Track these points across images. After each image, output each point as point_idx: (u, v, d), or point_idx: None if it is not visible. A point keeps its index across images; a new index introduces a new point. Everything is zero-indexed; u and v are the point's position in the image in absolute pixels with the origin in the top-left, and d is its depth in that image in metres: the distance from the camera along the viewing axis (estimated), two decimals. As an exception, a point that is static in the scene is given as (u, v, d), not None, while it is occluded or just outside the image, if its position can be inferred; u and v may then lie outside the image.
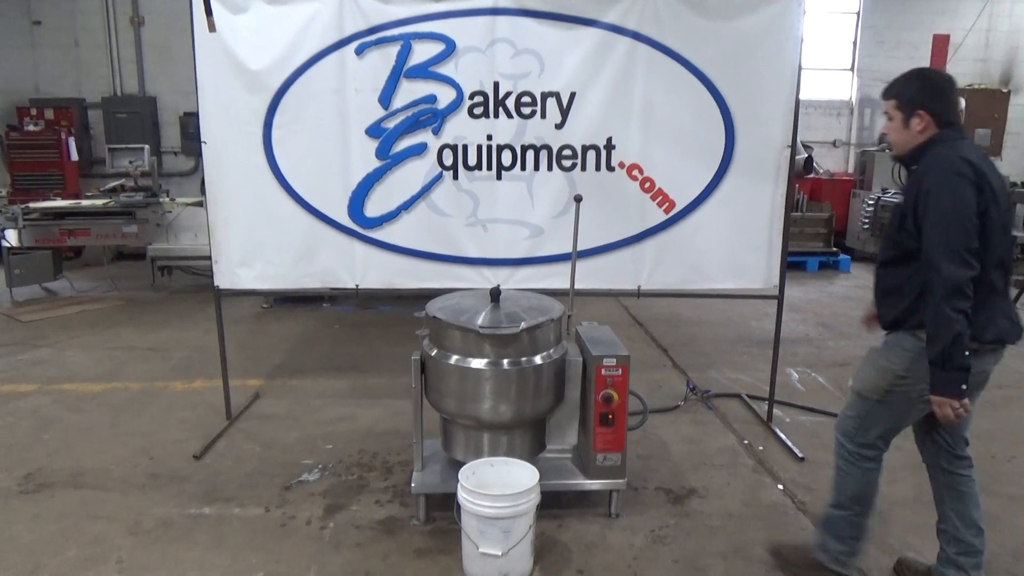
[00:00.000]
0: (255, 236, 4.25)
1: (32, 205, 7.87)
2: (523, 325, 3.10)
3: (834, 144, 11.83)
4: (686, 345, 6.17)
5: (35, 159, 9.90)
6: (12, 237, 7.69)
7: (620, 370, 3.28)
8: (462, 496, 2.90)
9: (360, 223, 4.26)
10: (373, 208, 4.24)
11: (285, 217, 4.22)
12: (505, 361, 3.15)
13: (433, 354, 3.25)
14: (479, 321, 3.15)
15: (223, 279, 4.30)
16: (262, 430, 4.43)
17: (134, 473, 3.87)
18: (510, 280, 4.35)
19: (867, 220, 9.93)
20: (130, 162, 8.54)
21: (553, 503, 3.41)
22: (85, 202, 8.22)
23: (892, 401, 2.62)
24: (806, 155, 9.90)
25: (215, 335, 4.52)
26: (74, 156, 10.13)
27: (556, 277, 4.33)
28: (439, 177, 4.20)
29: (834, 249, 9.80)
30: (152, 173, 8.63)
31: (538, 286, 4.34)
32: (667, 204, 4.24)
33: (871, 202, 9.91)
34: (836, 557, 2.84)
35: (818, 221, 9.82)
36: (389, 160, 4.18)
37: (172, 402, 4.89)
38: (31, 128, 10.04)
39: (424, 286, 4.34)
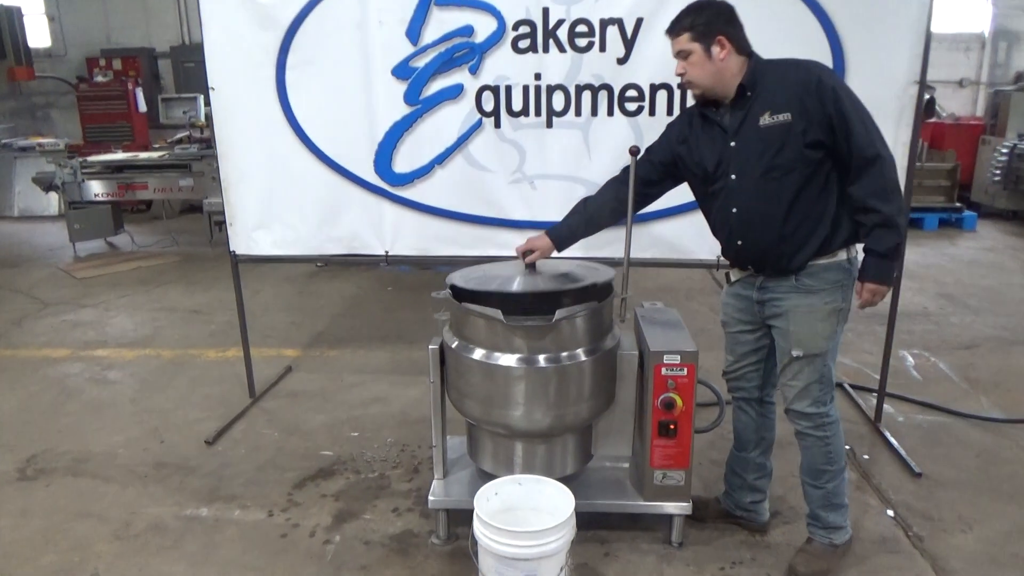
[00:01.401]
0: (272, 196, 3.73)
1: (91, 158, 7.68)
2: (559, 314, 2.45)
3: (960, 84, 10.35)
4: (777, 318, 5.35)
5: (104, 111, 9.77)
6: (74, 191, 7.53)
7: (685, 370, 2.60)
8: (477, 529, 2.33)
9: (388, 180, 3.67)
10: (403, 162, 3.64)
11: (304, 174, 3.68)
12: (541, 357, 2.52)
13: (453, 346, 2.66)
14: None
15: (239, 243, 3.83)
16: (286, 411, 3.99)
17: (140, 460, 3.50)
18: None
19: (999, 171, 8.61)
20: (184, 112, 8.23)
21: (600, 523, 2.81)
22: (143, 155, 7.99)
23: (838, 336, 2.50)
24: (927, 96, 8.62)
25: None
26: (142, 107, 9.97)
27: (615, 244, 3.62)
28: (478, 125, 3.54)
29: (957, 205, 8.56)
30: (209, 124, 8.30)
31: (597, 255, 3.67)
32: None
33: (1005, 150, 8.58)
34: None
35: (939, 172, 8.58)
36: (420, 105, 3.54)
37: (201, 373, 4.52)
38: (100, 79, 9.92)
39: (463, 253, 3.74)
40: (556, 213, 3.58)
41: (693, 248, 3.61)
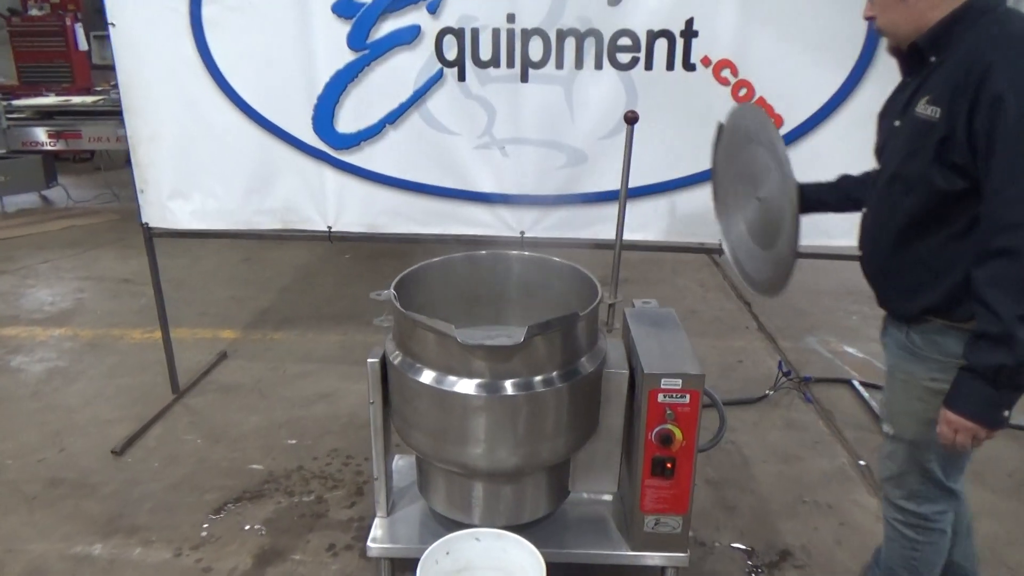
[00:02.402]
0: (189, 158, 3.10)
1: (15, 102, 6.89)
2: (529, 331, 1.89)
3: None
4: (777, 297, 4.83)
5: (39, 48, 8.86)
6: (-3, 139, 6.75)
7: (688, 396, 2.07)
8: (421, 607, 1.81)
9: (330, 141, 3.05)
10: (348, 120, 3.02)
11: (227, 132, 3.05)
12: (507, 383, 1.97)
13: (397, 363, 2.10)
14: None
15: (152, 214, 3.21)
16: (214, 411, 3.43)
17: (31, 475, 2.93)
18: (539, 225, 3.12)
19: None
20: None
21: (578, 574, 2.31)
22: (76, 99, 7.20)
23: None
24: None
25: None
26: (82, 45, 9.04)
27: (603, 224, 3.07)
28: (438, 77, 2.92)
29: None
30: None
31: (579, 235, 3.12)
32: (771, 121, 2.87)
33: None
34: None
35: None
36: (367, 51, 2.91)
37: (121, 360, 3.93)
38: (34, 12, 8.98)
39: (421, 231, 3.16)
40: (532, 184, 3.03)
41: (693, 228, 3.06)
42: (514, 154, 3.01)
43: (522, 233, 3.12)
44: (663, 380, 2.06)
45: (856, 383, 3.68)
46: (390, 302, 2.12)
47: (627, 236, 3.00)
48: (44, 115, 6.89)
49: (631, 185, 2.94)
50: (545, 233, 3.11)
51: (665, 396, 2.07)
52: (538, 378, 1.99)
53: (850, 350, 4.10)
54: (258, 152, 3.07)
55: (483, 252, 2.45)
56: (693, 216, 3.03)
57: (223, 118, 3.02)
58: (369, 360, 2.18)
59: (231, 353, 4.01)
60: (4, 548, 2.53)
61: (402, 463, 2.54)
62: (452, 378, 1.98)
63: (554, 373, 2.01)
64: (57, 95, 7.45)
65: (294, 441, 3.18)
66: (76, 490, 2.84)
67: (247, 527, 2.63)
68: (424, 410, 2.06)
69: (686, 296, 4.85)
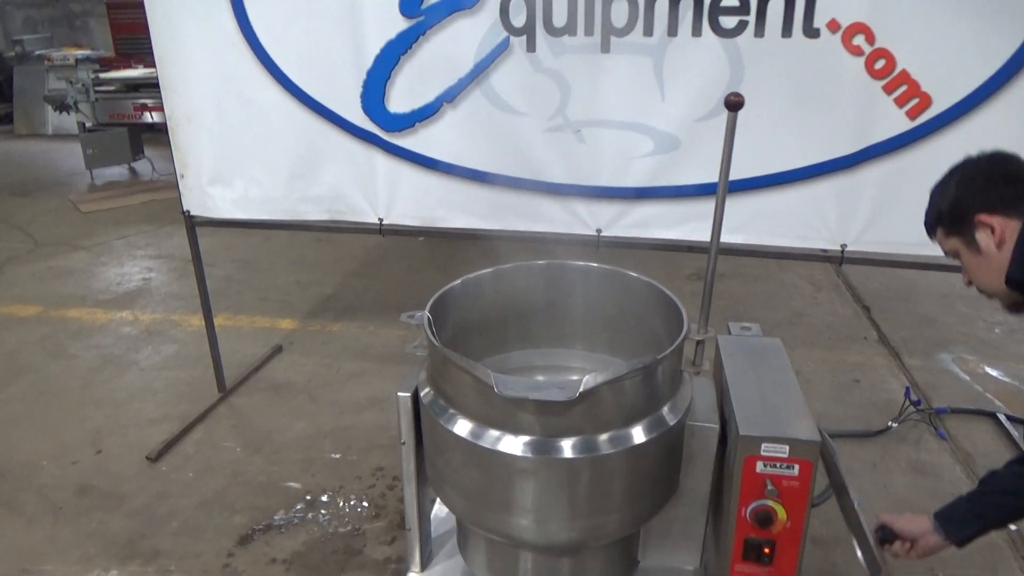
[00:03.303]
0: (230, 141, 2.80)
1: (103, 75, 6.89)
2: (590, 382, 1.46)
3: None
4: (902, 300, 4.17)
5: (134, 20, 8.89)
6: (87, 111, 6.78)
7: (797, 468, 1.59)
8: None
9: (381, 123, 2.68)
10: (400, 99, 2.63)
11: (269, 112, 2.72)
12: (563, 443, 1.55)
13: (428, 403, 1.72)
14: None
15: (192, 201, 2.93)
16: (259, 414, 3.17)
17: (64, 480, 2.75)
18: (619, 223, 2.66)
19: None
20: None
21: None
22: (162, 71, 7.13)
23: None
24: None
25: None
26: (175, 16, 9.07)
27: (696, 223, 2.59)
28: (504, 47, 2.48)
29: None
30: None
31: (666, 236, 2.64)
32: (915, 102, 2.29)
33: None
34: None
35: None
36: (422, 18, 2.50)
37: (177, 349, 3.74)
38: (131, -17, 9.03)
39: (482, 226, 2.76)
40: (611, 175, 2.56)
41: (804, 230, 2.52)
42: (591, 138, 2.55)
43: (599, 231, 2.67)
44: (764, 446, 1.58)
45: (1002, 417, 3.05)
46: (421, 327, 1.73)
47: (724, 238, 2.52)
48: (132, 87, 6.88)
49: (732, 177, 2.46)
50: (626, 232, 2.65)
51: (766, 465, 1.60)
52: (603, 436, 1.56)
53: (992, 372, 3.44)
54: (302, 134, 2.73)
55: (542, 263, 2.02)
56: (806, 216, 2.49)
57: (264, 96, 2.69)
58: (399, 394, 1.81)
59: (287, 346, 3.76)
60: (19, 567, 2.33)
61: (442, 510, 2.18)
62: (493, 432, 1.58)
63: (623, 430, 1.58)
64: (146, 67, 7.43)
65: (338, 455, 2.87)
66: (104, 501, 2.63)
67: (273, 560, 2.34)
68: (458, 467, 1.67)
69: (793, 296, 4.25)
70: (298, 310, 4.18)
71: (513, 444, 1.55)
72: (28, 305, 4.29)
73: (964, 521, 1.65)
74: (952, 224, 1.56)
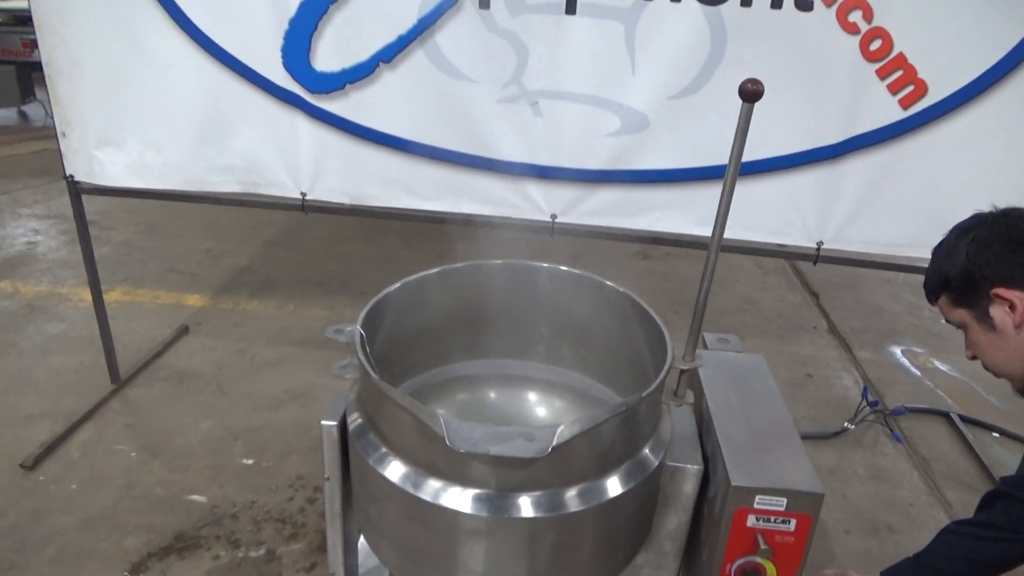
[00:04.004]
0: (122, 96, 2.36)
1: (-15, 4, 6.09)
2: (566, 432, 1.18)
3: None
4: (849, 287, 4.06)
5: (25, -58, 7.97)
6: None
7: (792, 523, 1.37)
8: None
9: (306, 82, 2.29)
10: (328, 56, 2.25)
11: (173, 64, 2.30)
12: (521, 500, 1.27)
13: (355, 436, 1.42)
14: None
15: (77, 165, 2.49)
16: (159, 409, 2.78)
17: (-85, 492, 2.32)
18: (577, 209, 2.37)
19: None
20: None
21: None
22: (55, 3, 6.36)
23: None
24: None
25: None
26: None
27: (663, 211, 2.32)
28: (452, 1, 2.12)
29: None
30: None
31: (629, 225, 2.37)
32: (910, 89, 2.07)
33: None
34: None
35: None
36: (356, -40, 2.12)
37: (64, 330, 3.28)
38: (20, -100, 8.03)
39: (422, 207, 2.42)
40: (571, 154, 2.26)
41: (779, 224, 2.30)
42: (549, 112, 2.24)
43: (553, 217, 2.38)
44: (759, 498, 1.35)
45: (955, 415, 2.95)
46: (350, 344, 1.41)
47: (691, 230, 2.28)
48: (21, 21, 6.11)
49: (701, 164, 2.21)
50: (584, 220, 2.37)
51: (759, 519, 1.37)
52: (572, 492, 1.29)
53: (942, 367, 3.36)
54: (211, 92, 2.32)
55: (499, 263, 1.72)
56: (782, 209, 2.27)
57: (165, 45, 2.26)
58: (324, 423, 1.49)
59: (194, 327, 3.34)
60: None
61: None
62: (435, 483, 1.29)
63: (597, 481, 1.31)
64: None
65: (250, 461, 2.53)
66: (-35, 520, 2.23)
67: (170, 595, 2.01)
68: (392, 519, 1.37)
69: (741, 280, 4.09)
70: (208, 284, 3.76)
71: (460, 498, 1.27)
72: None
73: None
74: (962, 295, 1.33)
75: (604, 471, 1.32)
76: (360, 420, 1.44)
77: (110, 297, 3.56)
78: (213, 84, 2.30)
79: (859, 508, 2.47)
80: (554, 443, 1.16)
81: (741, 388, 1.65)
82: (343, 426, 1.49)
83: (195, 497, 2.36)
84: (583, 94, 2.20)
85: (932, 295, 1.41)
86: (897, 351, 3.47)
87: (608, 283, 1.65)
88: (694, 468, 1.46)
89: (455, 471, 1.27)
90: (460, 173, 2.33)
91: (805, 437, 2.75)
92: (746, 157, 2.17)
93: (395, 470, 1.32)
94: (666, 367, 1.38)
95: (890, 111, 2.09)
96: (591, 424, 1.20)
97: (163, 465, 2.49)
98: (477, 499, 1.27)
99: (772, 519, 1.37)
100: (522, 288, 1.73)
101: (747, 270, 4.22)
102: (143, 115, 2.37)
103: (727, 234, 2.25)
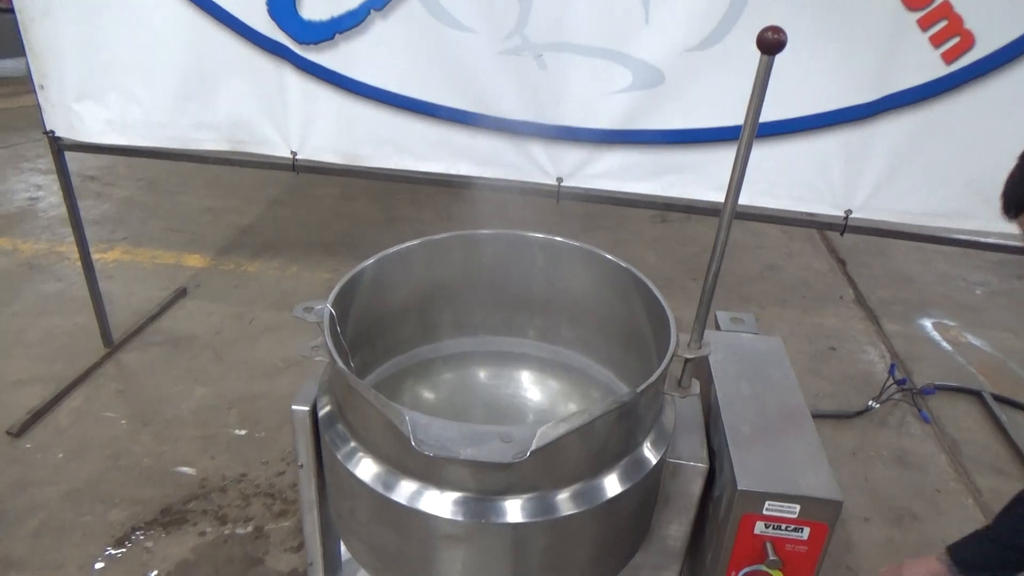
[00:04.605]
0: (102, 48, 2.21)
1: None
2: (547, 434, 1.04)
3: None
4: (878, 254, 3.85)
5: None
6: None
7: (805, 532, 1.23)
8: None
9: (293, 32, 2.12)
10: (316, 2, 2.08)
11: (153, 12, 2.14)
12: (513, 505, 1.15)
13: (325, 425, 1.30)
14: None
15: (56, 119, 2.35)
16: (152, 375, 2.69)
17: (-101, 459, 2.27)
18: (584, 171, 2.20)
19: None
20: None
21: None
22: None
23: None
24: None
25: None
26: None
27: (677, 175, 2.15)
28: (448, -58, 1.94)
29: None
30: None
31: (640, 189, 2.20)
32: (955, 41, 1.86)
33: None
34: None
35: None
36: None
37: (60, 289, 3.20)
38: None
39: (418, 167, 2.27)
40: (578, 112, 2.09)
41: (804, 191, 2.12)
42: (555, 66, 2.06)
43: (559, 180, 2.21)
44: (768, 504, 1.21)
45: (988, 396, 2.78)
46: (319, 325, 1.28)
47: (708, 196, 2.11)
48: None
49: (720, 124, 2.02)
50: (592, 183, 2.20)
51: (768, 527, 1.24)
52: (564, 494, 1.17)
53: (976, 342, 3.17)
54: (194, 43, 2.17)
55: (486, 232, 1.57)
56: (807, 174, 2.08)
57: (142, -11, 2.10)
58: (295, 407, 1.37)
59: (192, 289, 3.24)
60: None
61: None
62: (410, 484, 1.17)
63: (592, 481, 1.18)
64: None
65: (243, 432, 2.44)
66: (-52, 489, 2.17)
67: (152, 574, 1.93)
68: (365, 520, 1.26)
69: (764, 244, 3.90)
70: (209, 244, 3.65)
71: (439, 502, 1.15)
72: None
73: (987, 559, 1.32)
74: None
75: (597, 470, 1.19)
76: (329, 407, 1.31)
77: (109, 256, 3.48)
78: (195, 34, 2.15)
79: (881, 494, 2.33)
80: (533, 447, 1.03)
81: (755, 375, 1.50)
82: (315, 411, 1.37)
83: (184, 469, 2.28)
84: (592, 46, 2.01)
85: (1014, 208, 1.24)
86: (927, 324, 3.28)
87: (608, 256, 1.50)
88: (699, 466, 1.32)
89: (431, 471, 1.14)
90: (457, 131, 2.17)
91: (826, 416, 2.62)
92: (767, 117, 1.99)
93: (366, 468, 1.20)
94: (668, 356, 1.23)
95: (931, 67, 1.88)
96: (577, 424, 1.07)
97: (153, 434, 2.41)
98: (456, 503, 1.14)
99: (783, 527, 1.23)
100: (516, 261, 1.58)
101: (770, 235, 4.02)
102: (122, 67, 2.22)
103: (745, 200, 2.07)
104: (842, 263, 3.76)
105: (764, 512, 1.22)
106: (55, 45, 2.22)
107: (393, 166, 2.26)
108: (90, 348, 2.79)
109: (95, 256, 3.43)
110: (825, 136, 2.02)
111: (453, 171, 2.23)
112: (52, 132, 2.37)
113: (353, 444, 1.23)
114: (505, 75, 2.08)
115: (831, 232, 3.86)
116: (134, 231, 3.73)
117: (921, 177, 2.02)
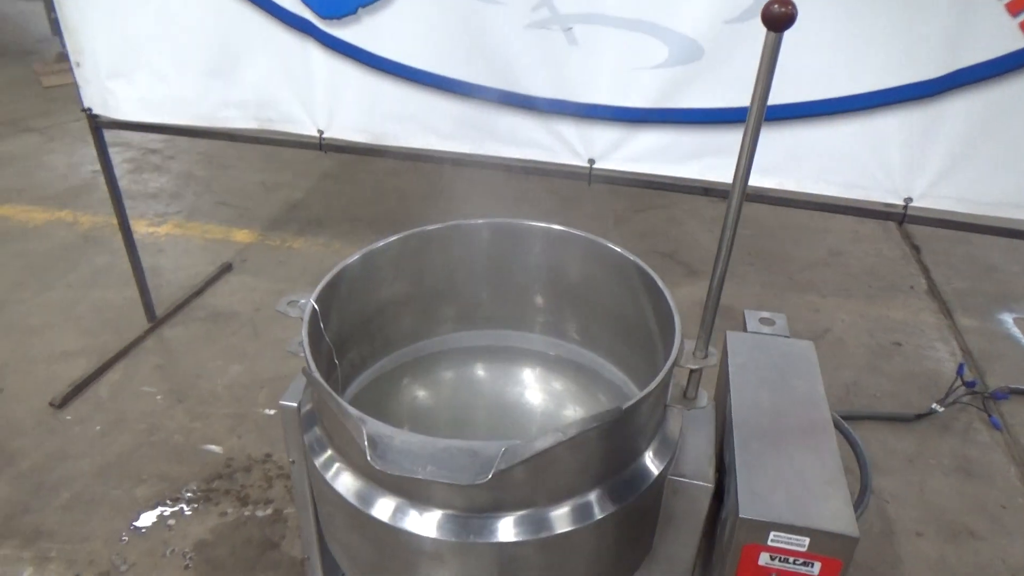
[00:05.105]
0: (129, 24, 2.20)
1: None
2: (506, 457, 0.95)
3: None
4: (959, 241, 3.55)
5: None
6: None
7: (817, 566, 1.11)
8: None
9: (316, 7, 2.06)
10: (339, -24, 2.00)
11: (175, -13, 2.11)
12: (503, 523, 1.07)
13: (306, 426, 1.24)
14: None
15: (93, 96, 2.37)
16: (190, 352, 2.73)
17: (-51, 427, 2.37)
18: (617, 153, 2.07)
19: None
20: None
21: None
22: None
23: None
24: None
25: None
26: None
27: (718, 158, 1.99)
28: (471, -92, 1.82)
29: None
30: None
31: (677, 172, 2.06)
32: (1039, 7, 1.63)
33: None
34: None
35: None
36: None
37: (111, 262, 3.27)
38: None
39: (443, 147, 2.18)
40: (609, 92, 1.96)
41: (857, 177, 1.93)
42: (586, 40, 1.93)
43: (591, 162, 2.09)
44: (773, 535, 1.10)
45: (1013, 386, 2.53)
46: (298, 320, 1.23)
47: (751, 181, 1.94)
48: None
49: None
50: (626, 165, 2.07)
51: (775, 559, 1.12)
52: (559, 511, 1.08)
53: (1006, 322, 2.89)
54: (219, 19, 2.13)
55: (480, 222, 1.48)
56: (861, 159, 1.89)
57: (167, -35, 2.07)
58: (283, 403, 1.33)
59: (238, 264, 3.27)
60: None
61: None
62: (388, 501, 1.10)
63: (586, 496, 1.09)
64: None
65: (272, 412, 2.45)
66: (-10, 459, 2.25)
67: (171, 552, 1.96)
68: (344, 532, 1.20)
69: (831, 229, 3.65)
70: (258, 219, 3.67)
71: (420, 521, 1.08)
72: (-40, 198, 3.83)
73: None
74: None
75: (589, 486, 1.10)
76: (310, 407, 1.26)
77: (161, 231, 3.55)
78: (219, 10, 2.11)
79: (938, 507, 2.14)
80: (495, 468, 0.94)
81: (778, 384, 1.37)
82: (299, 407, 1.33)
83: (212, 447, 2.30)
84: (625, 18, 1.87)
85: None
86: (1008, 319, 3.01)
87: (614, 247, 1.38)
88: (703, 485, 1.21)
89: (410, 488, 1.07)
90: (483, 110, 2.07)
91: (883, 418, 2.43)
92: (817, 95, 1.82)
93: (345, 483, 1.14)
94: (667, 366, 1.12)
95: (1007, 38, 1.66)
96: (549, 444, 0.97)
97: (186, 411, 2.44)
98: (441, 522, 1.07)
99: (791, 560, 1.11)
100: (520, 252, 1.49)
101: (838, 216, 3.75)
102: (149, 45, 2.21)
103: (793, 187, 1.91)
104: (916, 249, 3.49)
105: (768, 543, 1.10)
106: (87, 22, 2.22)
107: (419, 145, 2.19)
108: (136, 322, 2.84)
109: (148, 230, 3.53)
110: (883, 116, 1.82)
111: (479, 151, 2.14)
112: (90, 109, 2.39)
113: (330, 452, 1.18)
114: (532, 50, 1.96)
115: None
116: (187, 205, 3.79)
117: (992, 163, 1.81)
